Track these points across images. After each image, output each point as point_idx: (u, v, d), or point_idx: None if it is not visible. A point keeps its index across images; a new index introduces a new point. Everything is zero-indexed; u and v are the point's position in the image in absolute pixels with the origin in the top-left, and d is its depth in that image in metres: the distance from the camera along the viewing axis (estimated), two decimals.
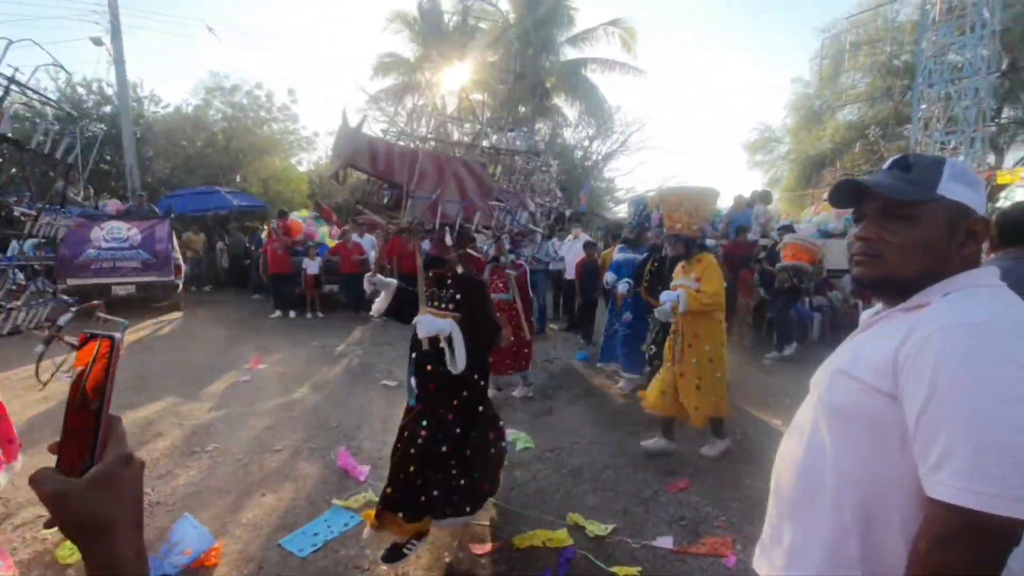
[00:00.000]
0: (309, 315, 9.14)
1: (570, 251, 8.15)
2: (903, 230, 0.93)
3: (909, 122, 17.86)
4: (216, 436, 3.97)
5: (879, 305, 1.06)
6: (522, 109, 21.76)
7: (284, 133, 22.23)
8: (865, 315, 1.09)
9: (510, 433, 3.97)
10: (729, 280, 6.55)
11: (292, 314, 9.12)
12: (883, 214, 0.95)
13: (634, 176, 35.39)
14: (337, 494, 3.09)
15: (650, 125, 40.00)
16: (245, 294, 11.34)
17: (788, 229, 7.70)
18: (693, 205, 3.67)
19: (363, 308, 9.29)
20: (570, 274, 7.97)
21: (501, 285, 4.57)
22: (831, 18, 22.26)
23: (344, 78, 33.03)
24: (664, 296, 3.58)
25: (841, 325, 7.59)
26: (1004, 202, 12.69)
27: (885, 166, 1.01)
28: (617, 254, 5.93)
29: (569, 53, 20.19)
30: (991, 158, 12.22)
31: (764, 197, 8.83)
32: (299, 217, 11.35)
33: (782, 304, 6.85)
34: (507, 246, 4.51)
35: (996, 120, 11.02)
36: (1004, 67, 11.12)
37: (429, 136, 3.02)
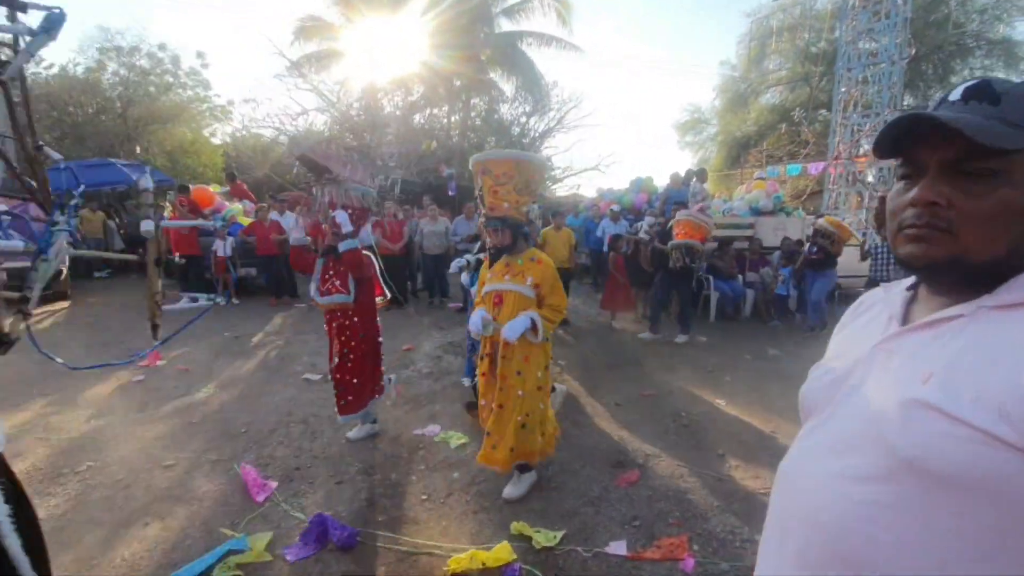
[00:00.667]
0: (222, 300, 8.25)
1: None
2: (987, 192, 0.63)
3: (825, 107, 18.89)
4: (93, 452, 3.32)
5: (918, 291, 0.76)
6: (457, 82, 20.96)
7: (194, 101, 20.17)
8: (894, 300, 0.78)
9: (442, 433, 3.62)
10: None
11: (202, 300, 8.20)
12: (956, 168, 0.65)
13: (571, 154, 35.40)
14: (238, 517, 2.62)
15: (586, 103, 40.18)
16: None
17: (682, 205, 7.51)
18: (523, 178, 2.71)
19: (285, 292, 8.53)
20: None
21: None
22: (757, 3, 22.87)
23: (261, 43, 30.39)
24: (478, 316, 2.76)
25: (771, 301, 7.82)
26: None
27: (955, 94, 0.70)
28: None
29: (505, 25, 19.55)
30: None
31: (701, 174, 8.87)
32: (214, 192, 10.24)
33: (670, 284, 6.48)
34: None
35: (900, 107, 11.73)
36: (912, 54, 11.80)
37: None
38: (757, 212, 8.82)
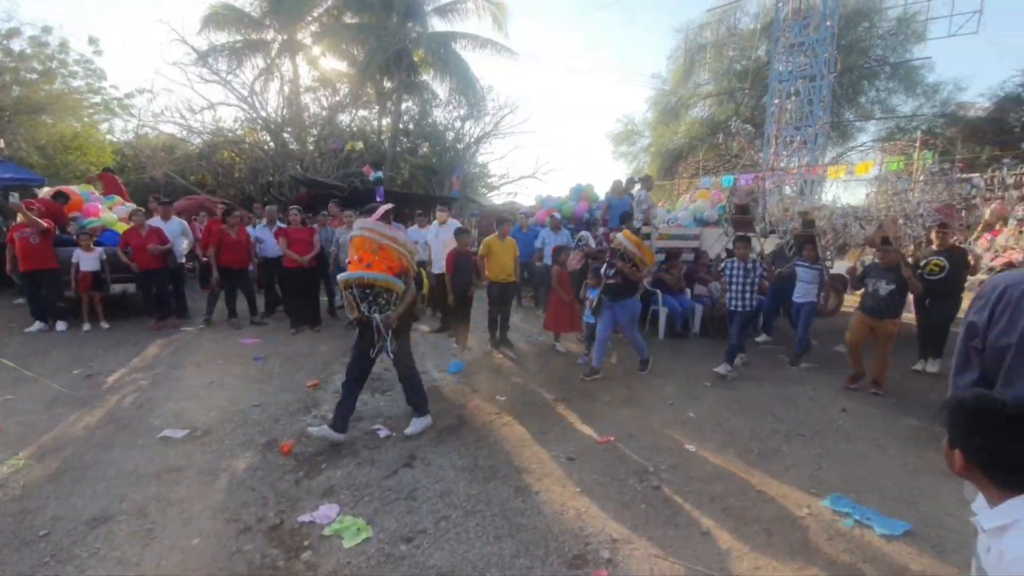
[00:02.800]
0: (87, 326, 6.73)
1: (437, 239, 6.88)
2: None
3: (750, 122, 19.49)
4: None
5: None
6: (388, 84, 19.78)
7: (84, 92, 17.62)
8: None
9: (338, 520, 2.66)
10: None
11: (61, 326, 6.64)
12: None
13: (508, 161, 34.98)
14: None
15: (523, 109, 40.12)
16: (8, 295, 8.20)
17: (627, 215, 7.20)
18: None
19: (170, 313, 7.12)
20: (438, 267, 6.71)
21: None
22: (686, 19, 23.52)
23: (162, 29, 27.48)
24: None
25: (720, 315, 7.39)
26: (826, 195, 14.12)
27: None
28: None
29: (437, 24, 18.69)
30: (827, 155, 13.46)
31: (646, 181, 8.39)
32: (81, 193, 8.55)
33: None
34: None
35: (831, 119, 12.05)
36: (838, 69, 12.14)
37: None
38: (702, 222, 8.47)
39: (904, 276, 4.76)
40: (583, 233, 7.81)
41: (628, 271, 5.02)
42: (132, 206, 7.97)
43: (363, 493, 2.95)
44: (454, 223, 7.05)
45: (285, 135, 17.67)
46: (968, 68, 46.12)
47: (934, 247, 5.62)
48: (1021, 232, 6.73)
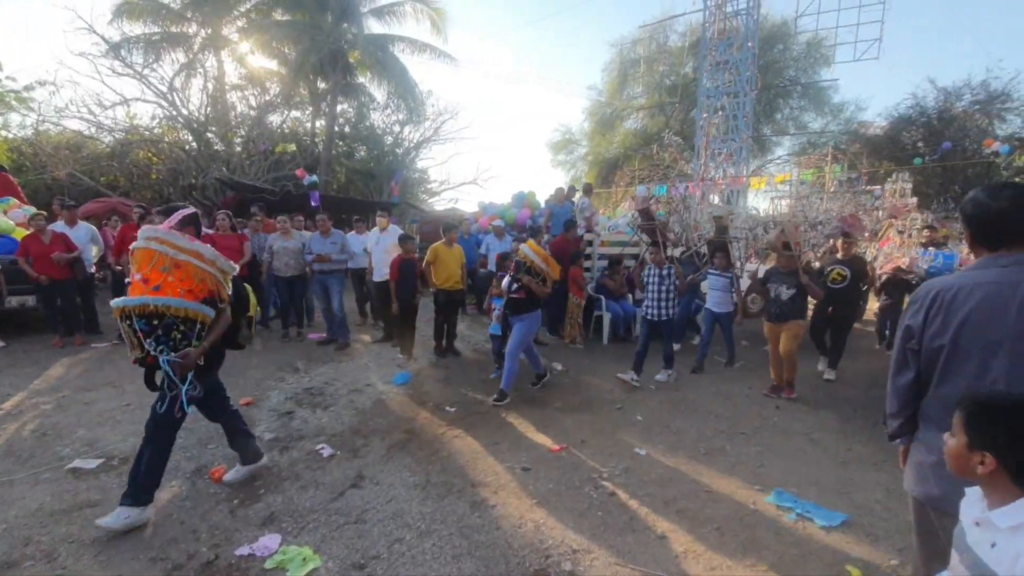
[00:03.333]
0: None
1: (378, 246, 6.66)
2: None
3: (679, 134, 20.55)
4: None
5: None
6: (322, 84, 19.08)
7: None
8: None
9: (280, 551, 2.46)
10: (561, 278, 5.90)
11: None
12: None
13: (448, 167, 34.78)
14: None
15: (463, 115, 40.09)
16: None
17: (571, 223, 7.16)
18: None
19: (77, 328, 6.44)
20: (380, 274, 6.49)
21: None
22: (620, 34, 24.47)
23: (70, 18, 25.03)
24: None
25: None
26: (753, 201, 15.06)
27: None
28: None
29: (375, 27, 18.28)
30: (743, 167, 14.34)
31: (587, 189, 8.56)
32: None
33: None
34: None
35: (754, 134, 12.91)
36: (759, 87, 13.01)
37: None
38: None
39: (802, 282, 4.81)
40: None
41: (534, 286, 4.68)
42: (32, 210, 7.14)
43: (307, 519, 2.75)
44: (395, 229, 6.85)
45: (209, 135, 16.58)
46: (870, 90, 51.30)
47: (838, 256, 5.75)
48: (903, 243, 7.38)
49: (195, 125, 16.07)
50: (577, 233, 7.30)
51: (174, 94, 15.84)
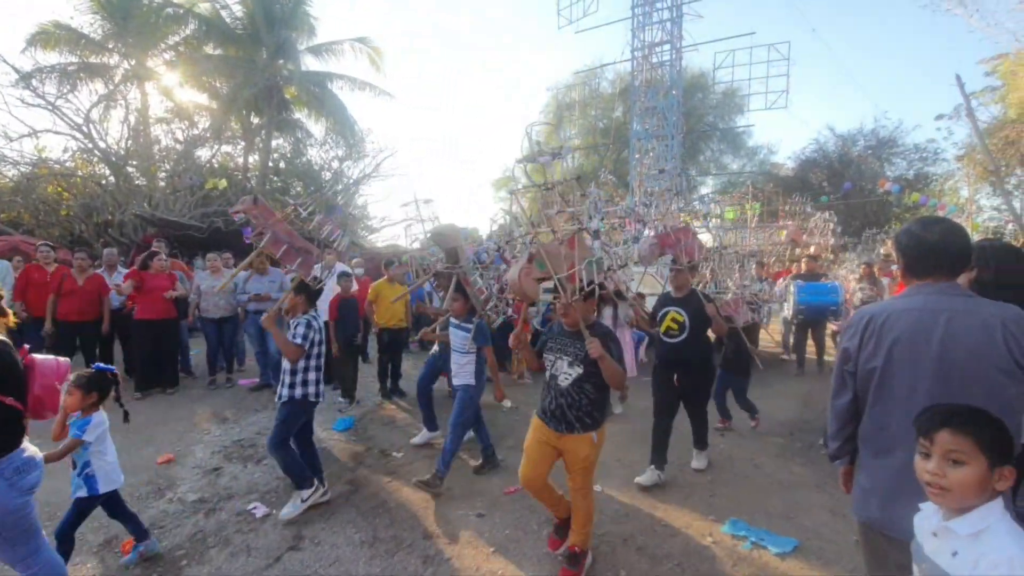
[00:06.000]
0: None
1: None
2: None
3: (612, 173, 21.66)
4: None
5: None
6: (255, 119, 18.57)
7: None
8: None
9: None
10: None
11: None
12: None
13: (389, 203, 34.43)
14: None
15: (404, 152, 39.97)
16: None
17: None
18: None
19: None
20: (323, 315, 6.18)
21: None
22: (556, 79, 25.76)
23: None
24: None
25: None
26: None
27: None
28: None
29: (312, 64, 18.18)
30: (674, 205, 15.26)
31: None
32: None
33: None
34: None
35: (681, 174, 13.78)
36: (685, 131, 13.98)
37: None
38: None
39: (594, 356, 2.72)
40: None
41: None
42: None
43: None
44: (340, 267, 6.61)
45: (129, 169, 15.55)
46: (780, 135, 56.94)
47: (671, 292, 3.97)
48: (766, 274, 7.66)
49: (113, 158, 15.05)
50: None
51: (91, 126, 14.83)
